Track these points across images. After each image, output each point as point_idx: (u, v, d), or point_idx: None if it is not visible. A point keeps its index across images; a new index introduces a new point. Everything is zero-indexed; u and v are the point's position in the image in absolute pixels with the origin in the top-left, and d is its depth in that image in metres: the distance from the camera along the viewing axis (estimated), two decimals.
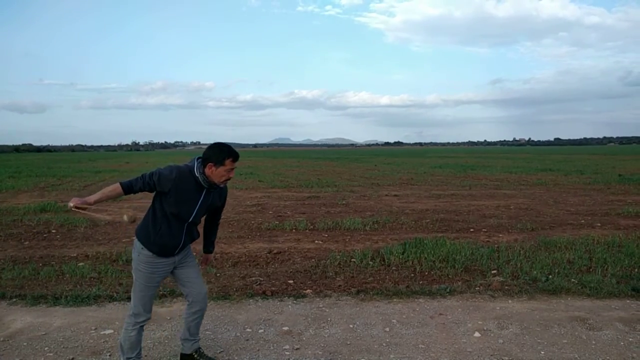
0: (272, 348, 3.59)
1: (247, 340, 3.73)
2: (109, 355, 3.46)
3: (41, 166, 34.08)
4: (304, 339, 3.75)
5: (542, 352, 3.48)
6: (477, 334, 3.81)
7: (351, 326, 3.98)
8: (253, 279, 5.34)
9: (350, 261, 5.95)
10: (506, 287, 4.92)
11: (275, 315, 4.24)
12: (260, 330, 3.90)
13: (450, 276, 5.35)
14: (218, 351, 3.52)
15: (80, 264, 5.94)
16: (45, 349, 3.57)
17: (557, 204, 11.51)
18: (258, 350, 3.55)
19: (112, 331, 3.87)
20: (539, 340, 3.68)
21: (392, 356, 3.45)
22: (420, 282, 5.15)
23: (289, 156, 63.80)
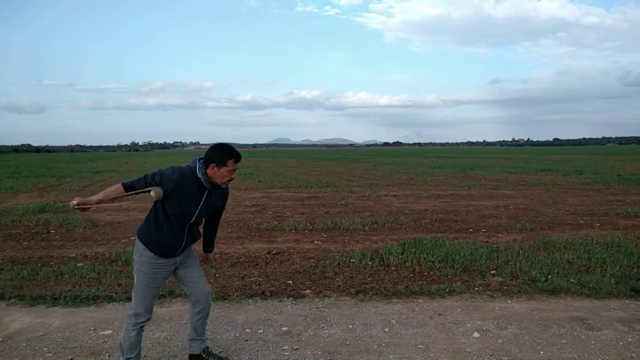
0: (271, 348, 3.58)
1: (246, 340, 3.72)
2: (108, 356, 3.45)
3: (40, 166, 34.05)
4: (303, 339, 3.75)
5: (541, 352, 3.48)
6: (476, 334, 3.81)
7: (350, 326, 3.98)
8: (252, 279, 5.34)
9: (350, 261, 5.95)
10: (505, 287, 4.92)
11: (275, 315, 4.24)
12: (260, 331, 3.90)
13: (449, 276, 5.35)
14: (217, 351, 3.51)
15: (79, 264, 5.93)
16: (44, 349, 3.57)
17: (556, 204, 11.52)
18: (257, 350, 3.55)
19: (111, 332, 3.86)
20: (538, 341, 3.68)
21: (391, 356, 3.45)
22: (420, 283, 5.15)
23: (288, 156, 63.81)
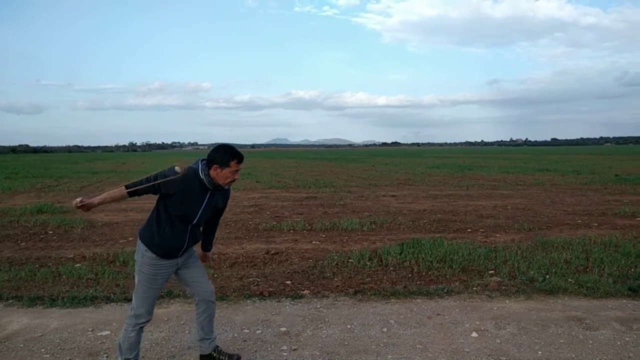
0: (269, 349, 3.58)
1: (245, 341, 3.72)
2: (106, 357, 3.45)
3: (38, 167, 33.97)
4: (302, 339, 3.75)
5: (540, 352, 3.49)
6: (474, 334, 3.81)
7: (349, 327, 3.98)
8: (250, 279, 5.34)
9: (348, 262, 5.95)
10: (503, 287, 4.93)
11: (273, 316, 4.24)
12: (258, 331, 3.90)
13: (447, 276, 5.36)
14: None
15: (77, 265, 5.92)
16: (42, 350, 3.56)
17: (554, 204, 11.54)
18: (256, 351, 3.55)
19: (109, 332, 3.86)
20: (536, 340, 3.69)
21: (389, 356, 3.45)
22: (418, 283, 5.16)
23: (287, 157, 63.81)
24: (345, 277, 5.37)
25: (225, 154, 2.89)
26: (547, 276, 5.23)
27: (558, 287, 4.87)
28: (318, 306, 4.47)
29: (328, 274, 5.49)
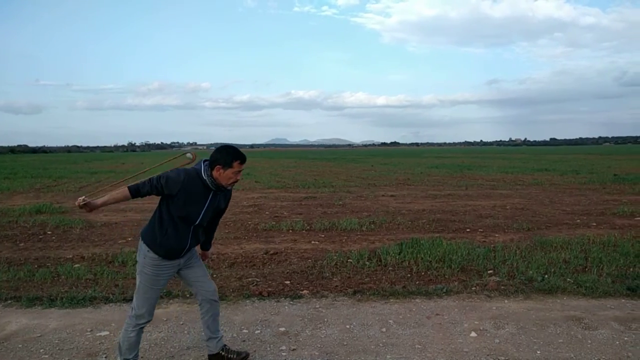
0: (268, 349, 3.58)
1: (244, 341, 3.72)
2: (105, 357, 3.44)
3: (37, 167, 33.93)
4: (301, 339, 3.75)
5: (538, 352, 3.49)
6: (473, 334, 3.81)
7: (348, 327, 3.98)
8: (250, 279, 5.34)
9: (347, 262, 5.95)
10: (502, 287, 4.93)
11: (272, 316, 4.24)
12: (257, 331, 3.90)
13: (446, 276, 5.36)
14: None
15: (76, 265, 5.92)
16: (41, 350, 3.56)
17: (553, 204, 11.55)
18: (255, 351, 3.55)
19: (108, 333, 3.85)
20: (535, 340, 3.69)
21: (388, 356, 3.45)
22: (417, 283, 5.16)
23: (286, 157, 63.81)
24: (344, 277, 5.38)
25: (227, 155, 2.90)
26: (546, 276, 5.23)
27: (557, 287, 4.87)
28: (317, 306, 4.47)
29: (327, 274, 5.49)
